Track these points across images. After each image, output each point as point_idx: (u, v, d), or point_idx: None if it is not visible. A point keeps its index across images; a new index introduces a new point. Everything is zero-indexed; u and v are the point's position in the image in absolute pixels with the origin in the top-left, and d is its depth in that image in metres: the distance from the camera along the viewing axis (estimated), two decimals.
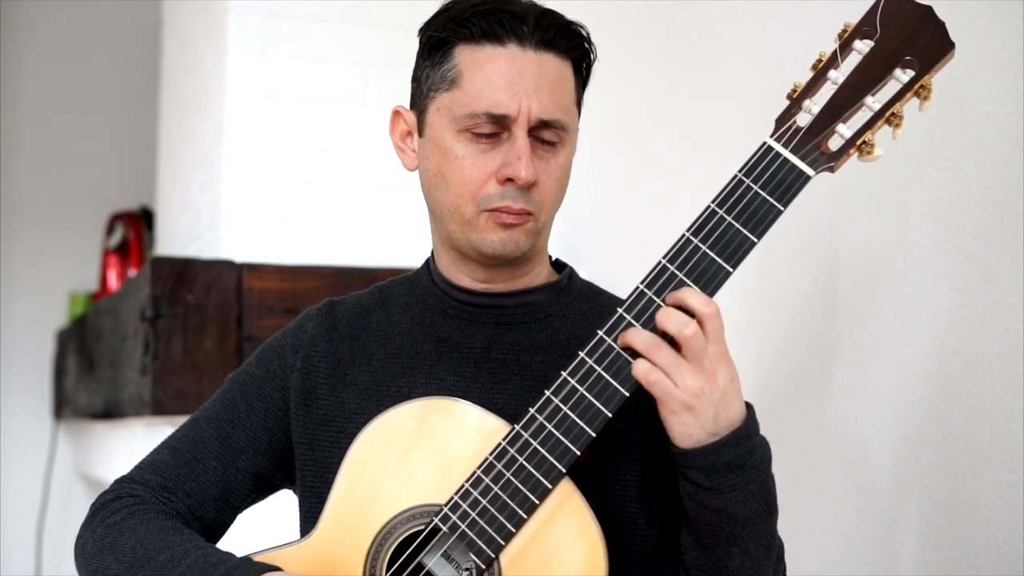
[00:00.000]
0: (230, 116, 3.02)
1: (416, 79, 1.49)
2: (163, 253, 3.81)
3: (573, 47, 1.45)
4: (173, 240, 3.72)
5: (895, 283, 1.83)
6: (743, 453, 1.29)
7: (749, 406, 1.32)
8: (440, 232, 1.50)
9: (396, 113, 1.52)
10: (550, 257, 1.56)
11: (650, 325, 1.30)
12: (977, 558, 1.67)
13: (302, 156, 3.05)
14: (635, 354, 1.30)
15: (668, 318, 1.28)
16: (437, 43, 1.44)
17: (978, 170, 1.69)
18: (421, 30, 1.48)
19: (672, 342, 1.28)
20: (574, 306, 1.52)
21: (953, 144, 1.73)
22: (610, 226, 2.77)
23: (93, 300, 4.77)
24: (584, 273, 1.63)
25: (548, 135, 1.42)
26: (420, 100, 1.48)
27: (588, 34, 1.48)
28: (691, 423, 1.27)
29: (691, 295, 1.28)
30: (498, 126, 1.41)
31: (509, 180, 1.40)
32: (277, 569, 1.36)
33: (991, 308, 1.66)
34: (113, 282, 4.71)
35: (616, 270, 2.56)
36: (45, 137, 5.01)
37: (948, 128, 1.74)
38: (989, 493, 1.65)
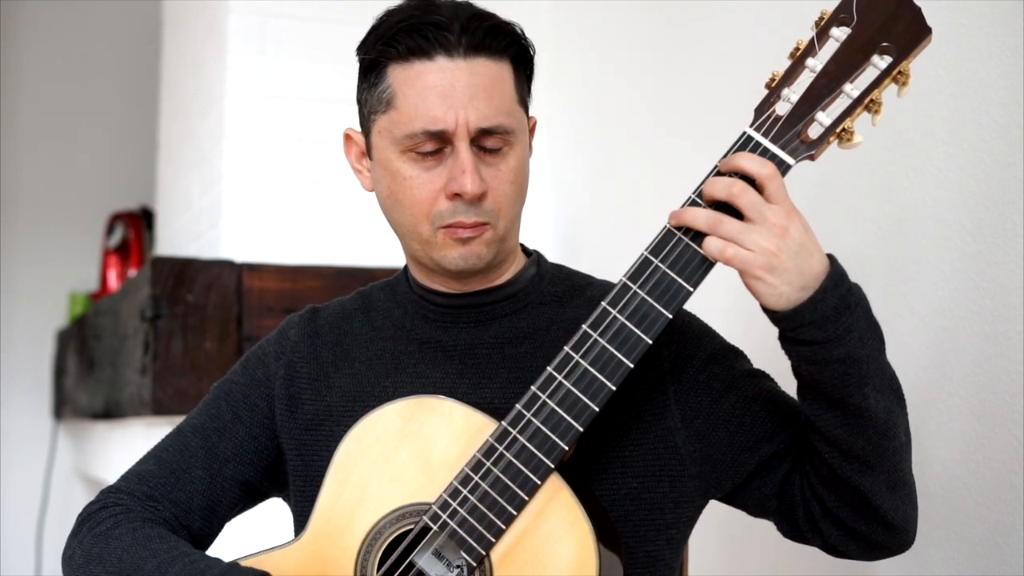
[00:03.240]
0: (230, 116, 3.02)
1: (358, 102, 1.48)
2: (163, 253, 3.81)
3: (506, 45, 1.41)
4: (173, 240, 3.71)
5: (895, 283, 1.83)
6: (844, 294, 1.28)
7: (830, 255, 1.30)
8: (406, 249, 1.51)
9: (347, 136, 1.52)
10: (522, 245, 1.55)
11: (635, 318, 1.30)
12: (977, 558, 1.67)
13: (302, 156, 3.05)
14: (627, 352, 1.30)
15: (713, 185, 1.27)
16: (370, 64, 1.43)
17: (978, 170, 1.68)
18: (357, 51, 1.46)
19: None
20: (548, 290, 1.52)
21: (953, 144, 1.73)
22: (608, 225, 2.77)
23: (93, 300, 4.77)
24: (583, 271, 1.63)
25: (492, 142, 1.40)
26: (364, 123, 1.47)
27: (522, 31, 1.45)
28: (777, 283, 1.25)
29: (744, 158, 1.27)
30: (439, 142, 1.39)
31: (456, 195, 1.39)
32: (265, 574, 1.36)
33: (991, 308, 1.66)
34: (113, 282, 4.71)
35: (615, 269, 2.56)
36: (45, 137, 5.01)
37: (948, 128, 1.74)
38: (989, 493, 1.65)
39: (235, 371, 1.58)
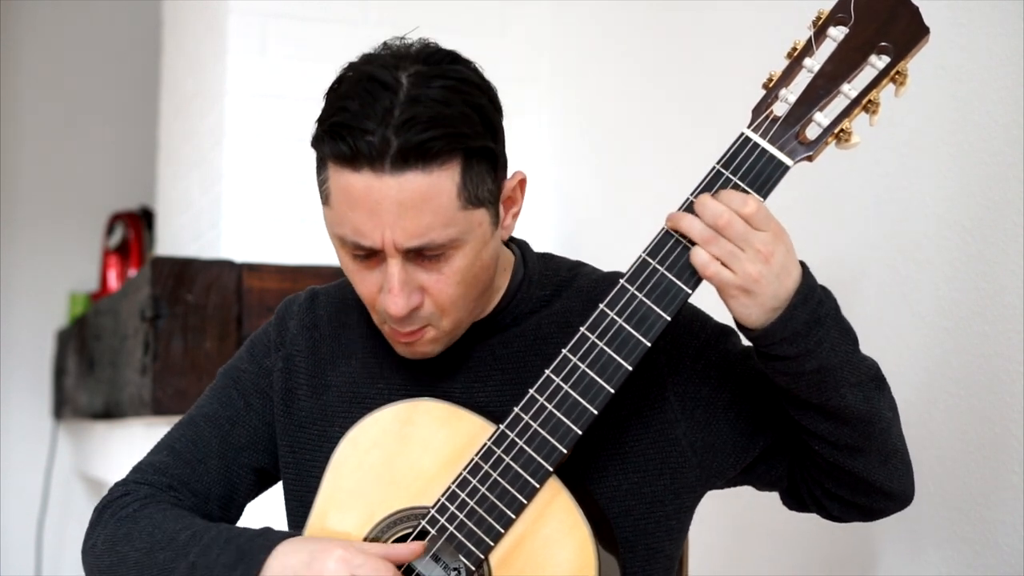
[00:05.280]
0: (230, 116, 3.02)
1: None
2: (163, 253, 3.81)
3: (450, 150, 1.28)
4: (173, 240, 3.71)
5: (895, 283, 1.83)
6: (814, 307, 1.30)
7: (801, 263, 1.31)
8: None
9: None
10: (511, 238, 1.51)
11: (633, 320, 1.30)
12: (977, 558, 1.67)
13: (302, 156, 3.01)
14: (626, 355, 1.30)
15: (703, 209, 1.28)
16: (314, 146, 1.35)
17: (978, 170, 1.68)
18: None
19: None
20: (537, 296, 1.49)
21: (953, 144, 1.73)
22: (611, 225, 2.77)
23: (93, 300, 4.77)
24: None
25: (428, 252, 1.32)
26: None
27: (474, 117, 1.30)
28: (750, 304, 1.28)
29: (726, 200, 1.28)
30: (370, 250, 1.33)
31: None
32: (297, 535, 1.36)
33: (991, 308, 1.66)
34: (113, 282, 4.71)
35: (617, 268, 2.56)
36: (45, 137, 5.00)
37: (948, 128, 1.74)
38: (989, 493, 1.65)
39: (242, 358, 1.56)
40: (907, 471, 1.44)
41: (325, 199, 1.36)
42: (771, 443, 1.46)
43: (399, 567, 1.32)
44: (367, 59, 1.36)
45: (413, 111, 1.27)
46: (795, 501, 1.51)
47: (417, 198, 1.28)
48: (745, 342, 1.44)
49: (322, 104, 1.36)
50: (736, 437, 1.45)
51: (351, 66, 1.36)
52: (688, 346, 1.46)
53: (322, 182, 1.36)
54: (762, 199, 1.29)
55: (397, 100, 1.28)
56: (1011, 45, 1.63)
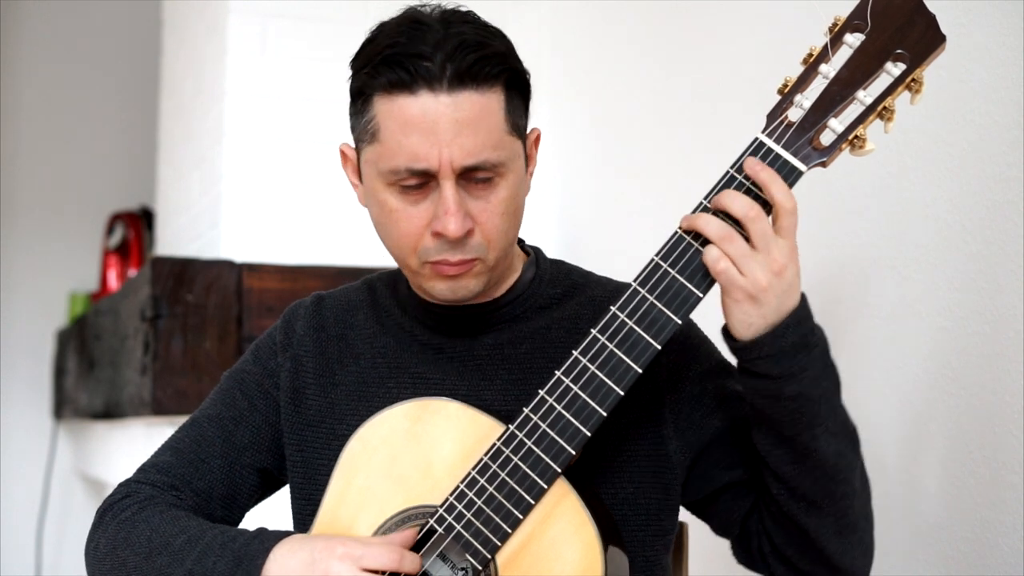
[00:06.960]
0: (230, 116, 3.02)
1: (350, 125, 1.44)
2: (163, 253, 3.82)
3: (497, 73, 1.36)
4: (173, 240, 3.72)
5: (895, 283, 1.83)
6: (806, 333, 1.29)
7: (802, 294, 1.31)
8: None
9: (342, 152, 1.49)
10: (521, 240, 1.53)
11: (644, 323, 1.30)
12: (977, 558, 1.67)
13: (302, 156, 3.05)
14: (636, 358, 1.30)
15: (732, 199, 1.27)
16: (356, 91, 1.39)
17: (978, 170, 1.69)
18: (350, 65, 1.42)
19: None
20: (547, 293, 1.50)
21: (953, 144, 1.73)
22: (612, 226, 2.77)
23: (93, 300, 4.77)
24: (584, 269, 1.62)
25: (479, 175, 1.36)
26: (355, 145, 1.45)
27: (513, 54, 1.40)
28: (752, 313, 1.27)
29: (777, 187, 1.27)
30: (423, 177, 1.35)
31: (441, 234, 1.36)
32: (293, 533, 1.37)
33: (991, 308, 1.66)
34: (113, 282, 4.72)
35: (618, 270, 2.56)
36: (45, 137, 5.01)
37: (948, 128, 1.74)
38: (989, 493, 1.65)
39: (246, 360, 1.58)
40: (862, 555, 1.41)
41: (372, 137, 1.37)
42: (739, 482, 1.45)
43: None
44: (395, 18, 1.41)
45: (461, 39, 1.34)
46: (745, 553, 1.47)
47: (472, 116, 1.33)
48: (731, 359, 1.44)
49: (349, 75, 1.41)
50: (708, 466, 1.45)
51: (382, 23, 1.40)
52: (692, 369, 1.46)
53: (367, 122, 1.37)
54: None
55: (440, 35, 1.34)
56: (1011, 45, 1.63)
